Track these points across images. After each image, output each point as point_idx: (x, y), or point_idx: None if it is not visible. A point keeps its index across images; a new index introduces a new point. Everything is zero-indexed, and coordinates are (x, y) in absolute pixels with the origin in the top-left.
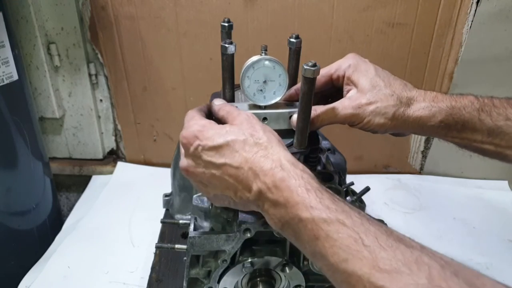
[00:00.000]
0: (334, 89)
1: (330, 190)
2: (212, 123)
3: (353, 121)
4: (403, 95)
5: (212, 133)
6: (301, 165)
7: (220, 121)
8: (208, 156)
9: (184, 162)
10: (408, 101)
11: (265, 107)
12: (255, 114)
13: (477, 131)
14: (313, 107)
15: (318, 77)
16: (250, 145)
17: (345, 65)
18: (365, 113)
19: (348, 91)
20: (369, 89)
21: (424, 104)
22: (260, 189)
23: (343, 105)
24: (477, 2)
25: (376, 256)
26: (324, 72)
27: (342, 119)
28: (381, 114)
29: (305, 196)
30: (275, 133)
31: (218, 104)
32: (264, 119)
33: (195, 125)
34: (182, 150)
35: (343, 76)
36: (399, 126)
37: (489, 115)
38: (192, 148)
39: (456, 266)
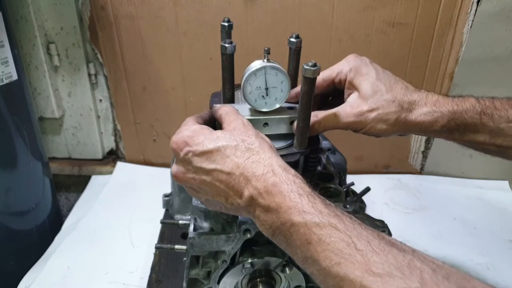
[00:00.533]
0: (334, 89)
1: (330, 190)
2: (203, 128)
3: (355, 128)
4: (404, 100)
5: (203, 139)
6: (292, 171)
7: (217, 121)
8: (198, 162)
9: (174, 167)
10: (410, 106)
11: (266, 112)
12: (256, 119)
13: (479, 133)
14: (314, 113)
15: (321, 81)
16: (242, 150)
17: (346, 68)
18: (367, 120)
19: (349, 95)
20: (370, 94)
21: (426, 109)
22: (252, 195)
23: (346, 113)
24: (478, 2)
25: (368, 260)
26: (326, 75)
27: (344, 126)
28: (382, 120)
29: (298, 201)
30: (267, 139)
31: (219, 106)
32: (265, 124)
33: (186, 130)
34: None
35: (345, 80)
36: (401, 130)
37: (491, 118)
38: (182, 154)
39: (447, 269)
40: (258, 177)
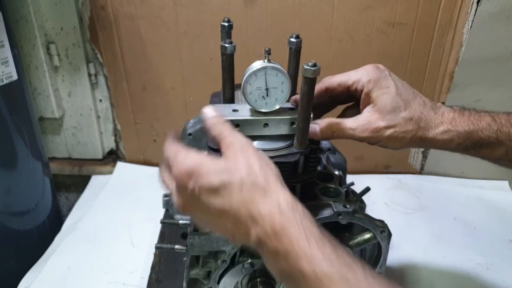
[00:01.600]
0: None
1: (330, 190)
2: (203, 158)
3: (370, 142)
4: (421, 118)
5: (207, 172)
6: (300, 207)
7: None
8: (205, 199)
9: (180, 201)
10: (426, 125)
11: (266, 113)
12: (256, 119)
13: (495, 150)
14: (329, 119)
15: (336, 85)
16: (247, 186)
17: (364, 79)
18: (382, 137)
19: (365, 106)
20: (388, 110)
21: (442, 128)
22: (259, 237)
23: (362, 128)
24: (478, 2)
25: None
26: (342, 81)
27: (358, 139)
28: (398, 138)
29: (306, 246)
30: (272, 167)
31: (210, 118)
32: (265, 124)
33: (186, 160)
34: (171, 186)
35: (361, 90)
36: (416, 146)
37: (507, 136)
38: (189, 190)
39: None
40: (264, 216)
